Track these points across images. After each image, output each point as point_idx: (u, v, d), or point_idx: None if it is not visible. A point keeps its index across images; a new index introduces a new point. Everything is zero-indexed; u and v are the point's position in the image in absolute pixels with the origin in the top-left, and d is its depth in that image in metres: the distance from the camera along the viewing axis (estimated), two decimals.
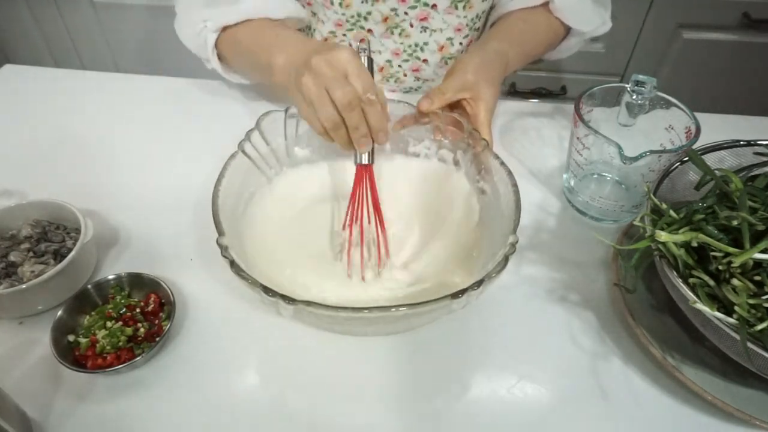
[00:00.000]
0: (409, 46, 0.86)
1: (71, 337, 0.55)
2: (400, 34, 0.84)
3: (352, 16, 0.82)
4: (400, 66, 0.89)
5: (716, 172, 0.54)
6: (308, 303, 0.45)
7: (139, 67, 1.68)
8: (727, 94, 1.46)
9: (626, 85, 0.66)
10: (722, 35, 1.37)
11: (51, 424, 0.51)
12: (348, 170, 0.71)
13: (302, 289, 0.57)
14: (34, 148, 0.79)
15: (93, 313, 0.57)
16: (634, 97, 0.65)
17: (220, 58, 0.79)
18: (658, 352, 0.53)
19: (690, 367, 0.53)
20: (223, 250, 0.50)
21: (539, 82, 1.50)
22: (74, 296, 0.57)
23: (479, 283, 0.47)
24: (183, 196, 0.70)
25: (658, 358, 0.53)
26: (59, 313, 0.55)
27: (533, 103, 0.95)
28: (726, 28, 1.36)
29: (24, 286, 0.54)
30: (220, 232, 0.52)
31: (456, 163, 0.68)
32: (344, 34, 0.85)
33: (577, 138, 0.65)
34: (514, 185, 0.57)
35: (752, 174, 0.56)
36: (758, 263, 0.47)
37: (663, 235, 0.50)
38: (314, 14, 0.84)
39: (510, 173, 0.58)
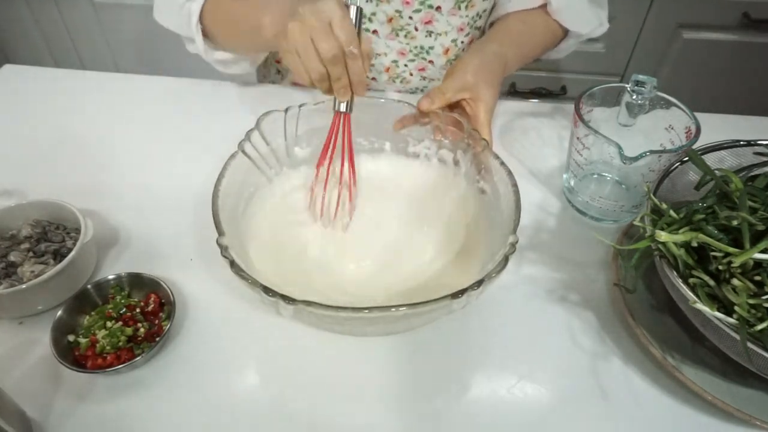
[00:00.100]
0: (415, 47, 0.86)
1: (71, 337, 0.55)
2: (405, 36, 0.84)
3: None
4: (406, 65, 0.89)
5: (716, 172, 0.54)
6: (308, 303, 0.45)
7: (139, 67, 1.68)
8: (727, 94, 1.46)
9: (626, 85, 0.66)
10: (722, 35, 1.37)
11: (51, 424, 0.51)
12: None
13: (302, 289, 0.57)
14: (34, 148, 0.79)
15: (93, 313, 0.57)
16: (634, 97, 0.65)
17: (204, 34, 0.78)
18: (658, 352, 0.53)
19: (690, 367, 0.53)
20: (223, 250, 0.50)
21: (539, 82, 1.50)
22: (74, 296, 0.57)
23: (479, 283, 0.47)
24: (183, 196, 0.70)
25: (658, 358, 0.53)
26: (59, 313, 0.55)
27: (533, 103, 0.95)
28: (726, 28, 1.36)
29: (24, 286, 0.54)
30: (220, 232, 0.52)
31: (456, 163, 0.68)
32: None
33: (577, 138, 0.65)
34: (514, 185, 0.57)
35: (752, 174, 0.56)
36: (758, 263, 0.47)
37: (663, 235, 0.49)
38: None
39: (510, 173, 0.58)
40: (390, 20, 0.82)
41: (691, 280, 0.49)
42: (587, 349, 0.57)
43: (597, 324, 0.59)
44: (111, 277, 0.59)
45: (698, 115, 0.63)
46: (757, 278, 0.47)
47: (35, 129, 0.82)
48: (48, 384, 0.53)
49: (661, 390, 0.54)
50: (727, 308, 0.47)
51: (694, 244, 0.50)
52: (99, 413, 0.51)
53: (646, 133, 0.67)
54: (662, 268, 0.51)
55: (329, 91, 0.61)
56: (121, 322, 0.55)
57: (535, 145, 0.81)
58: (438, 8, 0.81)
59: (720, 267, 0.48)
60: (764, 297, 0.46)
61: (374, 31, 0.84)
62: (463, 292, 0.46)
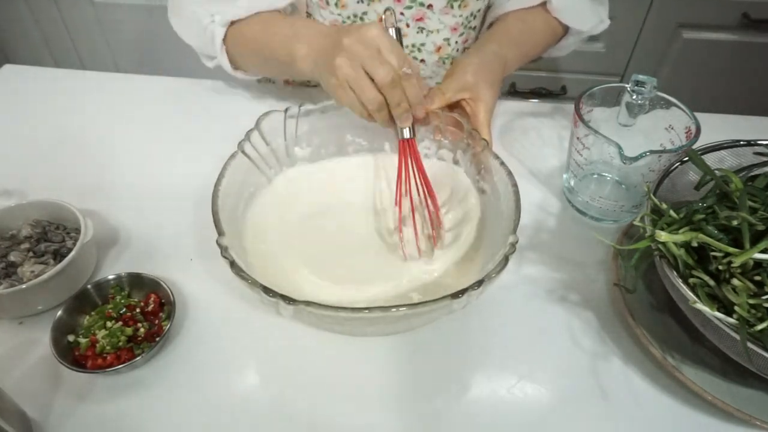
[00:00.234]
0: (406, 46, 0.85)
1: (71, 337, 0.55)
2: None
3: (348, 17, 0.81)
4: None
5: (716, 172, 0.54)
6: (308, 303, 0.45)
7: (139, 67, 1.68)
8: (727, 94, 1.46)
9: (626, 85, 0.66)
10: (722, 35, 1.37)
11: (51, 424, 0.51)
12: (349, 170, 0.71)
13: (302, 290, 0.58)
14: (34, 148, 0.79)
15: (93, 313, 0.57)
16: (634, 97, 0.65)
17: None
18: (658, 352, 0.53)
19: (690, 367, 0.53)
20: (223, 250, 0.50)
21: (539, 82, 1.50)
22: (74, 296, 0.57)
23: (479, 283, 0.47)
24: (183, 196, 0.70)
25: (658, 358, 0.53)
26: (59, 313, 0.55)
27: (533, 103, 0.95)
28: (726, 28, 1.36)
29: (24, 286, 0.54)
30: (220, 232, 0.52)
31: (456, 162, 0.68)
32: None
33: (577, 138, 0.65)
34: (514, 185, 0.57)
35: (752, 174, 0.56)
36: (758, 263, 0.47)
37: (663, 235, 0.49)
38: (309, 15, 0.84)
39: (510, 173, 0.58)
40: (381, 19, 0.82)
41: (691, 280, 0.49)
42: (587, 349, 0.57)
43: (597, 324, 0.59)
44: (111, 277, 0.59)
45: (698, 115, 0.63)
46: (757, 278, 0.47)
47: (35, 129, 0.82)
48: (48, 384, 0.53)
49: (661, 390, 0.54)
50: (727, 308, 0.47)
51: (694, 244, 0.50)
52: (99, 413, 0.51)
53: (646, 133, 0.67)
54: (662, 268, 0.51)
55: (388, 120, 0.60)
56: (121, 322, 0.55)
57: (535, 145, 0.81)
58: (429, 6, 0.81)
59: (720, 267, 0.48)
60: (764, 297, 0.46)
61: None
62: (463, 292, 0.46)
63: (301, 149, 0.69)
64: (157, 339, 0.54)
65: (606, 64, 1.46)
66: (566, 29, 0.85)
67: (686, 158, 0.59)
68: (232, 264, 0.49)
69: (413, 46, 0.86)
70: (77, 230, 0.61)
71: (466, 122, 0.66)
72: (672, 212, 0.52)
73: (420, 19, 0.82)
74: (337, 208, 0.68)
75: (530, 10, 0.81)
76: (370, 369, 0.55)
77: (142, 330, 0.55)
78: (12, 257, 0.59)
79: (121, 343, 0.54)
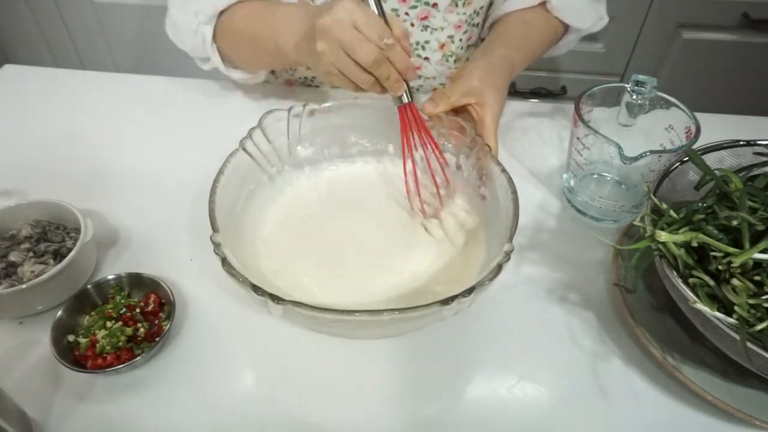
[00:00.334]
0: (410, 43, 0.85)
1: (71, 337, 0.55)
2: None
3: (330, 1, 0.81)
4: None
5: (716, 172, 0.54)
6: (296, 303, 0.45)
7: (139, 67, 1.68)
8: (727, 94, 1.46)
9: (626, 85, 0.66)
10: (722, 35, 1.37)
11: (51, 424, 0.51)
12: (352, 171, 0.72)
13: (303, 291, 0.58)
14: (34, 148, 0.79)
15: (93, 313, 0.57)
16: (634, 97, 0.65)
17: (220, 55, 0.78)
18: (658, 352, 0.53)
19: (690, 367, 0.53)
20: (216, 247, 0.50)
21: (539, 82, 1.50)
22: (74, 296, 0.57)
23: (470, 291, 0.46)
24: (183, 197, 0.70)
25: (658, 358, 0.53)
26: (59, 313, 0.55)
27: (533, 103, 0.95)
28: (726, 28, 1.36)
29: (24, 286, 0.54)
30: (215, 229, 0.52)
31: (458, 167, 0.68)
32: None
33: (577, 138, 0.65)
34: (514, 192, 0.56)
35: (752, 174, 0.56)
36: (758, 263, 0.47)
37: (663, 235, 0.49)
38: None
39: (510, 180, 0.57)
40: None
41: (691, 280, 0.49)
42: (587, 349, 0.57)
43: (597, 324, 0.59)
44: (111, 277, 0.59)
45: (698, 115, 0.63)
46: (757, 278, 0.47)
47: (35, 129, 0.82)
48: (48, 384, 0.53)
49: (661, 390, 0.54)
50: (727, 308, 0.47)
51: (694, 244, 0.50)
52: (99, 413, 0.51)
53: (646, 133, 0.67)
54: (662, 268, 0.51)
55: (382, 90, 0.61)
56: (121, 322, 0.55)
57: (535, 145, 0.81)
58: (434, 5, 0.81)
59: (720, 267, 0.48)
60: (764, 297, 0.46)
61: None
62: (453, 299, 0.45)
63: (304, 149, 0.69)
64: (157, 339, 0.54)
65: (606, 64, 1.46)
66: (566, 28, 0.85)
67: (686, 158, 0.59)
68: (224, 261, 0.49)
69: (417, 44, 0.86)
70: (77, 230, 0.61)
71: (470, 127, 0.65)
72: (672, 212, 0.52)
73: (425, 18, 0.83)
74: (341, 209, 0.68)
75: (530, 9, 0.81)
76: (370, 369, 0.55)
77: (142, 330, 0.55)
78: (12, 257, 0.59)
79: (121, 343, 0.54)
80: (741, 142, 0.60)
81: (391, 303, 0.57)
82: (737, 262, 0.46)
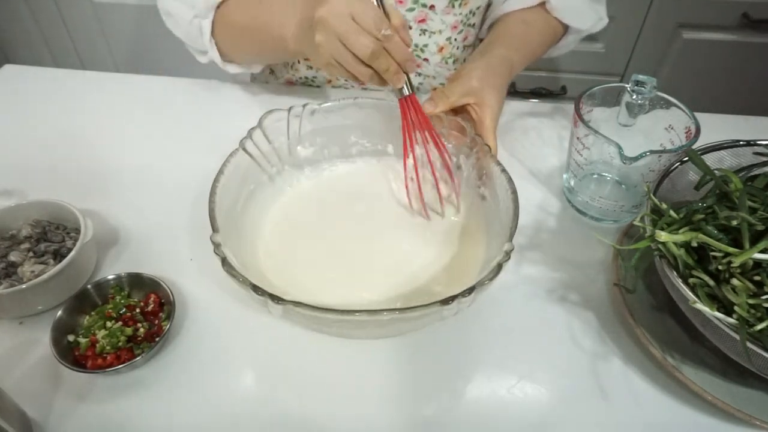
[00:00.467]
0: (409, 34, 0.85)
1: (71, 337, 0.55)
2: None
3: None
4: None
5: (716, 172, 0.54)
6: (296, 303, 0.45)
7: (139, 66, 1.68)
8: (727, 94, 1.46)
9: (626, 85, 0.66)
10: (722, 35, 1.37)
11: (51, 424, 0.51)
12: (352, 171, 0.72)
13: (303, 291, 0.58)
14: (34, 148, 0.79)
15: (93, 313, 0.57)
16: (634, 97, 0.65)
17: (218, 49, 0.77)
18: (658, 352, 0.53)
19: (690, 367, 0.53)
20: (216, 247, 0.50)
21: (539, 82, 1.50)
22: (74, 296, 0.57)
23: (470, 290, 0.46)
24: (183, 197, 0.70)
25: (658, 358, 0.53)
26: (59, 313, 0.55)
27: (533, 103, 0.95)
28: (726, 28, 1.36)
29: (24, 286, 0.54)
30: (215, 229, 0.52)
31: (458, 167, 0.68)
32: None
33: (577, 138, 0.65)
34: (513, 192, 0.56)
35: (752, 174, 0.56)
36: (758, 263, 0.47)
37: (663, 235, 0.50)
38: None
39: (510, 180, 0.57)
40: None
41: (691, 280, 0.49)
42: (587, 349, 0.57)
43: (597, 324, 0.59)
44: (111, 277, 0.59)
45: (698, 115, 0.63)
46: (757, 278, 0.47)
47: (35, 129, 0.82)
48: (48, 384, 0.53)
49: (661, 390, 0.54)
50: (727, 308, 0.47)
51: (694, 244, 0.50)
52: (99, 413, 0.51)
53: (646, 133, 0.67)
54: (662, 268, 0.51)
55: (382, 82, 0.60)
56: (121, 322, 0.55)
57: (535, 145, 0.81)
58: (432, 7, 0.81)
59: (720, 267, 0.48)
60: (764, 297, 0.46)
61: None
62: (453, 298, 0.45)
63: (304, 149, 0.69)
64: (157, 339, 0.54)
65: (606, 64, 1.46)
66: (566, 28, 0.85)
67: (686, 158, 0.59)
68: (224, 261, 0.49)
69: (416, 47, 0.86)
70: (77, 230, 0.61)
71: (469, 127, 0.66)
72: (672, 212, 0.52)
73: (422, 21, 0.82)
74: (343, 209, 0.68)
75: (530, 10, 0.81)
76: (370, 369, 0.55)
77: (142, 330, 0.55)
78: (12, 257, 0.59)
79: (121, 343, 0.54)
80: (741, 142, 0.60)
81: (391, 303, 0.57)
82: (737, 262, 0.46)
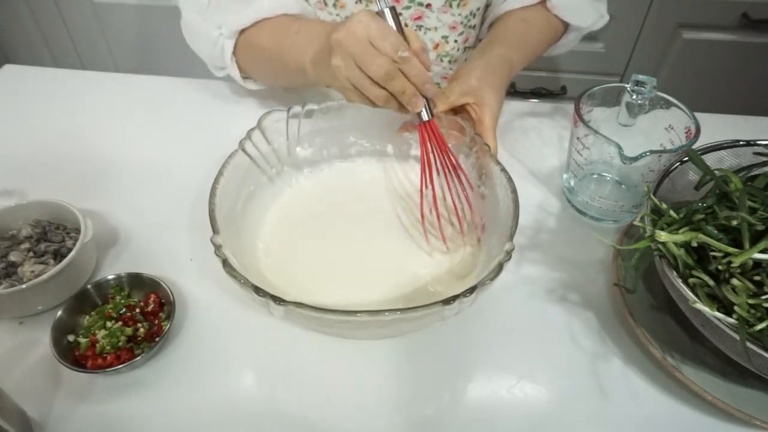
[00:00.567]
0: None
1: (71, 337, 0.55)
2: None
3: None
4: None
5: (716, 172, 0.54)
6: (298, 304, 0.45)
7: (139, 66, 1.68)
8: (727, 94, 1.46)
9: (626, 85, 0.66)
10: (722, 35, 1.37)
11: (51, 424, 0.51)
12: (352, 171, 0.72)
13: (304, 291, 0.58)
14: (34, 148, 0.79)
15: (93, 313, 0.57)
16: (634, 97, 0.65)
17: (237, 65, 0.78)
18: (658, 352, 0.53)
19: (690, 367, 0.53)
20: (217, 249, 0.50)
21: (539, 82, 1.50)
22: (74, 296, 0.57)
23: (472, 290, 0.46)
24: (183, 196, 0.70)
25: (658, 358, 0.53)
26: (59, 313, 0.55)
27: (533, 103, 0.95)
28: (726, 28, 1.36)
29: (24, 286, 0.54)
30: (215, 230, 0.52)
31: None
32: None
33: (577, 138, 0.65)
34: (513, 191, 0.56)
35: (752, 174, 0.56)
36: (758, 263, 0.47)
37: (663, 235, 0.50)
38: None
39: (510, 179, 0.57)
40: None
41: (691, 280, 0.49)
42: (587, 349, 0.57)
43: (597, 324, 0.59)
44: (111, 277, 0.59)
45: (698, 115, 0.63)
46: (757, 278, 0.47)
47: (35, 129, 0.82)
48: (48, 384, 0.53)
49: (661, 390, 0.54)
50: (727, 308, 0.47)
51: (694, 244, 0.50)
52: (99, 413, 0.51)
53: (646, 133, 0.67)
54: (662, 268, 0.51)
55: (400, 107, 0.58)
56: (121, 322, 0.55)
57: (535, 145, 0.81)
58: (428, 5, 0.81)
59: (720, 267, 0.48)
60: (764, 297, 0.46)
61: None
62: (455, 298, 0.45)
63: (303, 149, 0.69)
64: (157, 339, 0.54)
65: (606, 64, 1.46)
66: (566, 26, 0.85)
67: (686, 158, 0.59)
68: (225, 262, 0.49)
69: None
70: (77, 230, 0.61)
71: (469, 127, 0.65)
72: (672, 212, 0.52)
73: (418, 18, 0.82)
74: (344, 210, 0.68)
75: (530, 8, 0.81)
76: (370, 369, 0.55)
77: (142, 330, 0.55)
78: (12, 257, 0.59)
79: (121, 343, 0.54)
80: (741, 142, 0.60)
81: (392, 303, 0.57)
82: (737, 262, 0.46)
